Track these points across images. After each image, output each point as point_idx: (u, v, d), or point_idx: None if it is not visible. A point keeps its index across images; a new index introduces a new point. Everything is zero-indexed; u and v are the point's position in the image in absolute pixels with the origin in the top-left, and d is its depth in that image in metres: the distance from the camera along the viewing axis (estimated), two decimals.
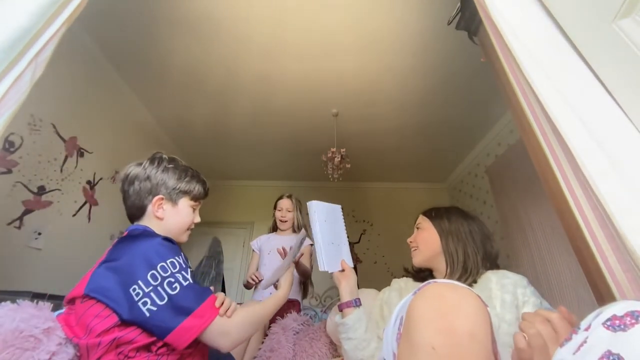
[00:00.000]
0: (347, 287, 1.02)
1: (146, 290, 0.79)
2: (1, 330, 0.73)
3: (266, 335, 1.46)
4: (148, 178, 1.00)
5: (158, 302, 0.78)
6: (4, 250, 1.90)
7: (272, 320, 1.51)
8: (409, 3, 2.09)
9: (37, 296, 1.68)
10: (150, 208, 1.00)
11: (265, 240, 2.15)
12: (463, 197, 4.22)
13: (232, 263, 4.38)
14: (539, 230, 2.40)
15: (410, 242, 1.13)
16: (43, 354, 0.76)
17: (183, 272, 0.84)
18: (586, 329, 0.42)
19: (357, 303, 1.01)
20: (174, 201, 1.02)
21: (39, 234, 2.10)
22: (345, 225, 1.15)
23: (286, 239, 2.09)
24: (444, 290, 0.58)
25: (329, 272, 1.02)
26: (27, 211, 2.02)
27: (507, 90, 1.07)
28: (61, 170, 2.28)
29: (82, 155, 2.48)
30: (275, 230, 2.20)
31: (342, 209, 1.17)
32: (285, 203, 2.15)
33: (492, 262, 1.03)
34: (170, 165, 1.04)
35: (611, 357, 0.36)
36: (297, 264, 1.85)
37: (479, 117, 3.24)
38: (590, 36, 0.77)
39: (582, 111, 0.72)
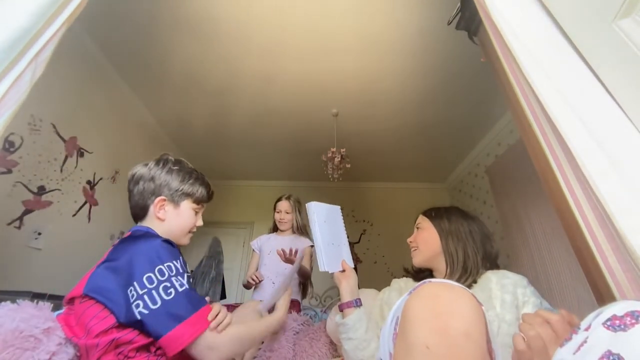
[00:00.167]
0: (348, 287, 1.02)
1: (140, 292, 0.78)
2: (1, 330, 0.73)
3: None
4: (152, 179, 1.01)
5: (151, 305, 0.77)
6: (4, 250, 1.90)
7: None
8: (409, 3, 2.09)
9: (37, 296, 1.68)
10: (152, 209, 1.00)
11: (265, 240, 2.15)
12: (463, 197, 4.22)
13: (232, 263, 4.38)
14: (539, 230, 2.40)
15: (410, 242, 1.13)
16: (43, 354, 0.76)
17: (179, 277, 0.83)
18: (586, 329, 0.42)
19: (357, 303, 1.01)
20: (176, 203, 1.02)
21: (39, 234, 2.10)
22: (345, 226, 1.15)
23: (286, 240, 2.10)
24: (439, 289, 0.58)
25: (329, 272, 1.02)
26: (27, 211, 2.02)
27: (507, 90, 1.07)
28: (61, 170, 2.28)
29: (82, 155, 2.48)
30: (276, 231, 2.20)
31: (342, 209, 1.17)
32: (283, 205, 2.15)
33: (492, 262, 1.03)
34: (175, 167, 1.05)
35: (611, 357, 0.36)
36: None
37: (479, 117, 3.24)
38: (590, 36, 0.77)
39: (582, 111, 0.72)
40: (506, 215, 2.86)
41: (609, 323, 0.39)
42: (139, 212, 1.02)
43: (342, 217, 1.16)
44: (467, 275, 0.98)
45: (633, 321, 0.37)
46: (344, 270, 1.04)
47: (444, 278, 1.01)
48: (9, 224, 1.92)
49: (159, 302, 0.78)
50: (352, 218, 4.65)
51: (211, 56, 2.56)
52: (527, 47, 0.84)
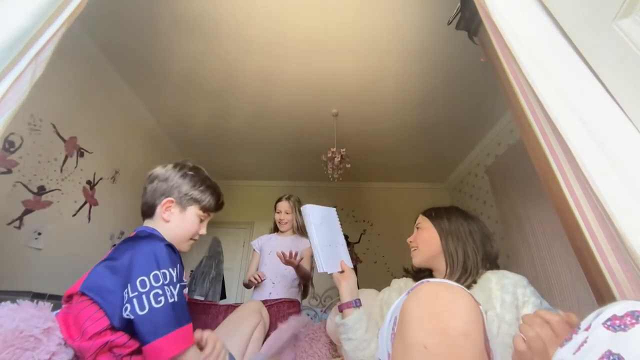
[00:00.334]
0: (347, 287, 1.02)
1: (131, 295, 0.78)
2: (1, 330, 0.73)
3: (267, 336, 1.46)
4: (166, 179, 1.04)
5: (138, 311, 0.76)
6: (4, 250, 1.90)
7: (273, 326, 1.51)
8: (409, 3, 2.09)
9: (37, 296, 1.68)
10: (159, 209, 1.01)
11: (266, 240, 2.16)
12: (463, 197, 4.22)
13: (232, 263, 4.38)
14: (539, 230, 2.40)
15: (410, 242, 1.13)
16: (43, 354, 0.76)
17: (172, 287, 0.82)
18: (586, 329, 0.42)
19: (357, 304, 1.01)
20: (183, 207, 1.03)
21: (39, 234, 2.10)
22: (342, 227, 1.15)
23: (287, 240, 2.10)
24: (437, 289, 0.58)
25: (328, 273, 1.02)
26: (27, 211, 2.02)
27: (507, 90, 1.07)
28: (61, 170, 2.28)
29: (82, 155, 2.48)
30: (277, 231, 2.20)
31: (341, 209, 1.17)
32: (283, 206, 2.15)
33: (492, 262, 1.03)
34: (190, 173, 1.07)
35: (611, 357, 0.36)
36: (298, 268, 1.85)
37: (479, 117, 3.24)
38: (590, 36, 0.77)
39: (582, 111, 0.72)
40: (506, 215, 2.86)
41: (609, 323, 0.39)
42: (147, 210, 1.04)
43: (338, 218, 1.16)
44: (467, 275, 0.98)
45: (633, 321, 0.37)
46: (343, 271, 1.04)
47: (444, 278, 1.01)
48: (9, 224, 1.92)
49: (147, 309, 0.77)
50: (352, 218, 4.65)
51: (211, 56, 2.56)
52: (527, 47, 0.84)
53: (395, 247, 4.14)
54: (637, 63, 0.67)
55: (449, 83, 2.77)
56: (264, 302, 1.65)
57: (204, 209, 1.07)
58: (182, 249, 1.05)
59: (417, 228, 1.13)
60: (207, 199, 1.07)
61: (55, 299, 1.51)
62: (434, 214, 1.10)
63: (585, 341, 0.40)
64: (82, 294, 0.82)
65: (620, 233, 0.61)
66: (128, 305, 0.77)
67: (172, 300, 0.81)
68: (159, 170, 1.07)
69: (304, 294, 2.10)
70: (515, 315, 0.85)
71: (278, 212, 2.16)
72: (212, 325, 1.45)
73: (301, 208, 1.09)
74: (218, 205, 1.11)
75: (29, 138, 2.01)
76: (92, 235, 2.61)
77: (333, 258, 1.05)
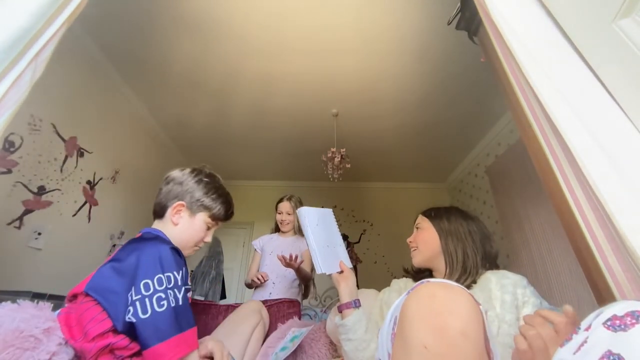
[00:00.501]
0: (347, 288, 1.02)
1: (134, 297, 0.78)
2: (1, 330, 0.73)
3: (267, 336, 1.46)
4: (181, 183, 1.05)
5: (140, 314, 0.76)
6: (4, 250, 1.90)
7: (273, 326, 1.51)
8: (409, 3, 2.09)
9: (37, 296, 1.68)
10: (169, 211, 1.02)
11: (267, 240, 2.16)
12: (463, 197, 4.22)
13: (232, 263, 4.38)
14: (539, 230, 2.40)
15: (410, 242, 1.13)
16: (43, 354, 0.76)
17: (176, 291, 0.82)
18: (586, 329, 0.42)
19: (356, 304, 1.01)
20: (193, 212, 1.04)
21: (39, 234, 2.10)
22: (342, 227, 1.15)
23: (288, 241, 2.10)
24: (437, 289, 0.58)
25: (327, 274, 1.02)
26: (27, 211, 2.02)
27: (507, 90, 1.07)
28: (61, 170, 2.28)
29: (82, 155, 2.48)
30: (278, 231, 2.20)
31: (341, 209, 1.17)
32: (285, 206, 2.15)
33: (492, 262, 1.03)
34: (206, 179, 1.08)
35: (611, 357, 0.36)
36: (298, 270, 1.86)
37: (479, 117, 3.24)
38: (590, 36, 0.77)
39: (582, 111, 0.72)
40: (506, 215, 2.86)
41: (609, 323, 0.39)
42: (159, 210, 1.05)
43: (334, 219, 1.16)
44: (466, 275, 0.98)
45: (633, 321, 0.37)
46: (342, 272, 1.04)
47: (444, 278, 1.01)
48: (9, 224, 1.92)
49: (149, 313, 0.76)
50: (352, 218, 4.65)
51: (211, 56, 2.56)
52: (527, 47, 0.84)
53: (395, 247, 4.14)
54: (637, 63, 0.67)
55: (449, 83, 2.77)
56: (264, 302, 1.65)
57: (213, 217, 1.08)
58: (184, 253, 1.05)
59: (417, 228, 1.13)
60: (218, 207, 1.08)
61: (55, 299, 1.51)
62: (434, 214, 1.10)
63: (585, 341, 0.40)
64: (87, 294, 0.82)
65: (620, 233, 0.61)
66: (131, 308, 0.77)
67: (175, 304, 0.80)
68: (176, 173, 1.09)
69: (305, 295, 2.10)
70: (515, 315, 0.85)
71: (280, 213, 2.16)
72: (212, 325, 1.45)
73: (297, 211, 1.10)
74: (227, 215, 1.12)
75: (29, 138, 2.02)
76: (92, 235, 2.61)
77: (331, 259, 1.05)
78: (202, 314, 1.57)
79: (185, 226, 1.03)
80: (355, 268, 3.83)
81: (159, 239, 0.94)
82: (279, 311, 1.71)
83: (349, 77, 2.76)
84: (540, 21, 0.87)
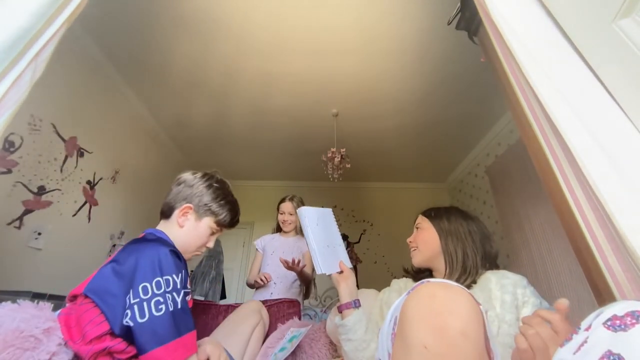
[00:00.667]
0: (347, 288, 1.02)
1: (132, 301, 0.77)
2: (1, 330, 0.73)
3: (266, 336, 1.46)
4: (192, 186, 1.06)
5: (138, 318, 0.76)
6: (4, 250, 1.90)
7: (273, 326, 1.51)
8: (409, 3, 2.09)
9: (37, 296, 1.68)
10: (176, 212, 1.03)
11: (269, 240, 2.16)
12: (463, 197, 4.22)
13: (232, 263, 4.38)
14: (539, 230, 2.40)
15: (410, 242, 1.13)
16: (43, 354, 0.76)
17: (175, 294, 0.81)
18: (587, 329, 0.42)
19: (356, 304, 1.01)
20: (199, 216, 1.05)
21: (39, 234, 2.10)
22: (342, 227, 1.15)
23: (290, 241, 2.10)
24: (437, 289, 0.58)
25: (327, 274, 1.02)
26: (27, 211, 2.02)
27: (507, 90, 1.07)
28: (61, 170, 2.28)
29: (82, 155, 2.48)
30: (280, 231, 2.20)
31: (341, 209, 1.17)
32: (287, 206, 2.15)
33: (492, 262, 1.03)
34: (216, 185, 1.10)
35: (611, 357, 0.36)
36: (301, 273, 1.86)
37: (479, 117, 3.24)
38: (590, 36, 0.77)
39: (582, 111, 0.72)
40: (506, 215, 2.86)
41: (609, 323, 0.39)
42: (166, 210, 1.05)
43: (334, 219, 1.16)
44: (466, 275, 0.97)
45: (633, 321, 0.37)
46: (341, 272, 1.04)
47: (444, 278, 1.01)
48: (9, 224, 1.92)
49: (147, 317, 0.76)
50: (352, 218, 4.65)
51: (211, 56, 2.56)
52: (527, 47, 0.84)
53: (395, 247, 4.14)
54: (637, 63, 0.67)
55: (449, 83, 2.77)
56: (264, 302, 1.65)
57: (218, 223, 1.08)
58: (185, 257, 1.05)
59: (417, 228, 1.13)
60: (224, 214, 1.09)
61: (55, 299, 1.51)
62: (434, 214, 1.10)
63: (585, 341, 0.40)
64: (86, 296, 0.81)
65: (620, 233, 0.61)
66: (129, 312, 0.77)
67: (174, 308, 0.80)
68: (188, 175, 1.10)
69: (307, 295, 2.10)
70: (515, 315, 0.85)
71: (282, 213, 2.16)
72: (212, 325, 1.45)
73: (297, 211, 1.10)
74: (232, 222, 1.13)
75: (29, 138, 2.01)
76: (92, 235, 2.61)
77: (331, 259, 1.05)
78: (202, 314, 1.57)
79: (190, 229, 1.04)
80: (355, 268, 3.83)
81: (160, 240, 0.94)
82: (279, 311, 1.71)
83: (349, 77, 2.76)
84: (540, 21, 0.87)
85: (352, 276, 1.06)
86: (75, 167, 2.42)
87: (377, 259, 4.45)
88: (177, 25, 2.29)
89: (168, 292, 0.80)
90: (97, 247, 2.68)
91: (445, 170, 4.41)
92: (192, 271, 3.36)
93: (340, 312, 1.02)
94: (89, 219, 2.57)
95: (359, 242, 4.54)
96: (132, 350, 0.79)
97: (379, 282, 1.44)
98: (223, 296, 3.39)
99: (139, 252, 0.86)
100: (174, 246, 0.94)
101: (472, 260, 0.99)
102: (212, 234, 1.09)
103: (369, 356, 0.95)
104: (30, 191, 2.04)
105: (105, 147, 2.74)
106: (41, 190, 2.12)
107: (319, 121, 3.33)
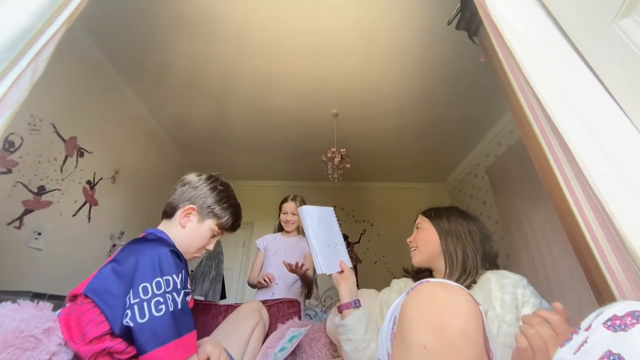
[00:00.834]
0: (347, 288, 1.02)
1: (132, 301, 0.77)
2: (1, 330, 0.73)
3: (266, 336, 1.46)
4: (196, 187, 1.07)
5: (138, 319, 0.75)
6: (4, 250, 1.90)
7: (273, 326, 1.51)
8: (409, 3, 2.09)
9: (37, 296, 1.68)
10: (179, 212, 1.03)
11: (271, 240, 2.15)
12: (463, 197, 4.22)
13: (232, 263, 4.38)
14: (539, 230, 2.40)
15: (410, 242, 1.13)
16: (43, 354, 0.76)
17: (175, 294, 0.81)
18: (587, 329, 0.42)
19: (356, 304, 1.01)
20: (202, 217, 1.05)
21: (39, 234, 2.10)
22: (341, 227, 1.15)
23: (291, 241, 2.10)
24: (436, 289, 0.58)
25: (327, 274, 1.02)
26: (27, 211, 2.02)
27: (507, 90, 1.07)
28: (61, 170, 2.28)
29: (82, 155, 2.48)
30: (281, 231, 2.20)
31: (341, 209, 1.17)
32: (289, 206, 2.15)
33: (492, 262, 1.03)
34: (220, 188, 1.10)
35: (612, 357, 0.36)
36: (303, 275, 1.86)
37: (479, 117, 3.24)
38: (590, 36, 0.77)
39: (582, 111, 0.72)
40: (506, 215, 2.86)
41: (609, 323, 0.39)
42: (169, 210, 1.06)
43: (336, 218, 1.16)
44: (466, 275, 0.97)
45: (633, 321, 0.37)
46: (342, 271, 1.04)
47: (443, 278, 1.01)
48: (9, 224, 1.92)
49: (147, 317, 0.76)
50: (352, 218, 4.65)
51: (211, 56, 2.56)
52: (527, 47, 0.84)
53: (395, 247, 4.14)
54: (637, 63, 0.67)
55: (448, 83, 2.77)
56: (264, 302, 1.65)
57: (220, 226, 1.08)
58: (185, 258, 1.05)
59: (417, 228, 1.13)
60: (227, 217, 1.09)
61: (55, 299, 1.51)
62: (434, 214, 1.10)
63: (585, 341, 0.40)
64: (86, 296, 0.81)
65: (620, 233, 0.61)
66: (129, 312, 0.77)
67: (174, 308, 0.80)
68: (193, 176, 1.10)
69: (308, 295, 2.10)
70: (515, 315, 0.85)
71: (284, 213, 2.15)
72: (212, 325, 1.45)
73: (298, 209, 1.09)
74: (234, 226, 1.13)
75: (29, 138, 2.01)
76: (92, 235, 2.61)
77: (332, 258, 1.05)
78: (202, 314, 1.57)
79: (191, 230, 1.04)
80: (355, 268, 3.83)
81: (160, 240, 0.94)
82: (279, 311, 1.71)
83: (349, 77, 2.76)
84: (540, 21, 0.87)
85: (353, 276, 1.06)
86: (75, 167, 2.42)
87: (377, 259, 4.45)
88: (177, 25, 2.29)
89: (168, 292, 0.80)
90: (97, 247, 2.68)
91: (445, 170, 4.41)
92: (192, 271, 3.36)
93: (340, 312, 1.02)
94: (89, 219, 2.57)
95: (359, 242, 4.54)
96: (132, 351, 0.78)
97: (379, 282, 1.44)
98: (223, 296, 3.39)
99: (139, 252, 0.86)
100: (174, 246, 0.94)
101: (472, 260, 0.99)
102: (213, 236, 1.09)
103: (369, 356, 0.95)
104: (30, 191, 2.04)
105: (105, 147, 2.74)
106: (41, 190, 2.12)
107: (319, 121, 3.33)
